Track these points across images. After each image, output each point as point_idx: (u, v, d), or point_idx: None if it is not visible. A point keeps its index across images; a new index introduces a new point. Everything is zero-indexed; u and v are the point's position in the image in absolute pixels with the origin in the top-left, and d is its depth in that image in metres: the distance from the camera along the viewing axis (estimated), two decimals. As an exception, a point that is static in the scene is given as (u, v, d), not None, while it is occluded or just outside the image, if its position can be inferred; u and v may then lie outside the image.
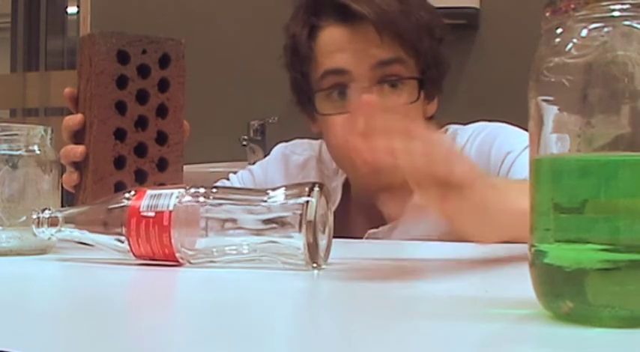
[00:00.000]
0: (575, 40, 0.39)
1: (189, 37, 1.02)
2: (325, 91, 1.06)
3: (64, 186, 0.91)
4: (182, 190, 0.66)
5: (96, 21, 2.60)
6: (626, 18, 0.38)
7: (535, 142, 0.41)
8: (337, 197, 1.16)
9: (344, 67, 1.04)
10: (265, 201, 0.63)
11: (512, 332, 0.40)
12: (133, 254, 0.67)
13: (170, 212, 0.65)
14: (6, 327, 0.42)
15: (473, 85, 2.06)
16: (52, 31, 3.07)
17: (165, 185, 0.89)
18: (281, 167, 1.25)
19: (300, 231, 0.61)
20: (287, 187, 0.64)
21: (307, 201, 0.62)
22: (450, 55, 1.12)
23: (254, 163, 1.33)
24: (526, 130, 0.42)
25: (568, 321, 0.39)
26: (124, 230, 0.66)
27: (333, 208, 0.69)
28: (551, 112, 0.40)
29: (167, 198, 0.66)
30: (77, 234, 0.70)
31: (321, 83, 1.06)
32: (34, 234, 0.71)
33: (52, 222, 0.70)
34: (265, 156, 1.33)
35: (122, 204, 0.67)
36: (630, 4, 0.38)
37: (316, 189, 0.63)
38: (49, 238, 0.71)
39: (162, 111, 0.93)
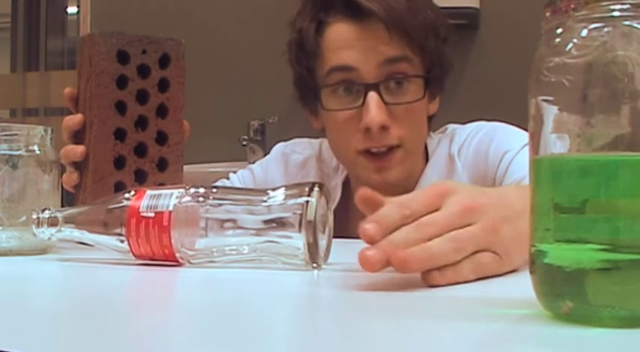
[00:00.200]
0: (575, 40, 0.39)
1: (189, 37, 1.02)
2: (331, 87, 1.06)
3: (64, 186, 0.91)
4: (182, 190, 0.66)
5: (96, 21, 2.60)
6: (626, 18, 0.38)
7: (535, 142, 0.41)
8: (337, 195, 1.16)
9: (351, 64, 1.04)
10: (265, 201, 0.63)
11: (512, 332, 0.40)
12: (133, 254, 0.67)
13: (170, 212, 0.65)
14: (6, 327, 0.42)
15: (473, 85, 2.06)
16: (52, 31, 3.07)
17: (165, 185, 0.89)
18: (281, 166, 1.25)
19: (300, 231, 0.61)
20: (287, 187, 0.64)
21: (307, 201, 0.62)
22: (450, 55, 1.12)
23: (254, 163, 1.33)
24: (526, 130, 0.42)
25: (568, 321, 0.39)
26: (123, 230, 0.66)
27: (333, 206, 0.69)
28: (551, 112, 0.40)
29: (167, 198, 0.66)
30: (77, 234, 0.70)
31: (327, 79, 1.06)
32: (34, 234, 0.71)
33: (52, 222, 0.70)
34: (265, 156, 1.33)
35: (122, 204, 0.67)
36: (630, 4, 0.38)
37: (316, 189, 0.63)
38: (49, 238, 0.71)
39: (162, 111, 0.93)
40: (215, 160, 2.09)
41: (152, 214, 0.65)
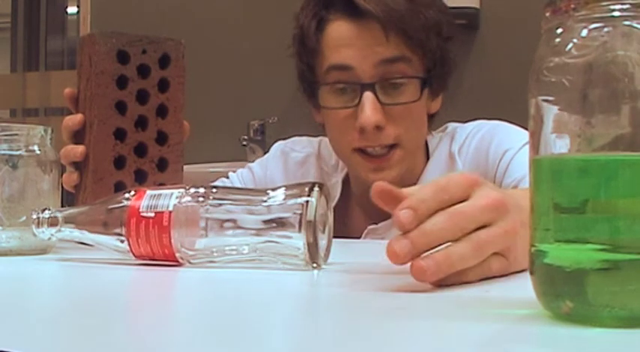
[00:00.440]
0: (575, 40, 0.39)
1: (189, 37, 1.02)
2: (329, 85, 1.06)
3: (64, 186, 0.91)
4: (182, 190, 0.66)
5: (96, 21, 2.60)
6: (626, 18, 0.38)
7: (535, 142, 0.41)
8: (337, 192, 1.16)
9: (348, 63, 1.04)
10: (265, 201, 0.63)
11: (512, 332, 0.40)
12: (133, 254, 0.67)
13: (170, 212, 0.65)
14: (6, 327, 0.42)
15: (473, 85, 2.06)
16: (52, 31, 3.07)
17: (165, 185, 0.90)
18: (280, 164, 1.26)
19: (300, 231, 0.61)
20: (287, 187, 0.64)
21: (307, 201, 0.62)
22: (454, 54, 1.12)
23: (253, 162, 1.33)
24: (526, 130, 0.42)
25: (568, 321, 0.39)
26: (123, 230, 0.66)
27: (333, 204, 0.69)
28: (551, 112, 0.40)
29: (167, 198, 0.66)
30: (77, 234, 0.70)
31: (325, 77, 1.07)
32: (34, 234, 0.71)
33: (52, 222, 0.70)
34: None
35: (122, 204, 0.67)
36: (630, 4, 0.38)
37: (316, 188, 0.63)
38: (49, 238, 0.71)
39: (162, 111, 0.93)
40: (215, 160, 2.09)
41: (152, 214, 0.65)
